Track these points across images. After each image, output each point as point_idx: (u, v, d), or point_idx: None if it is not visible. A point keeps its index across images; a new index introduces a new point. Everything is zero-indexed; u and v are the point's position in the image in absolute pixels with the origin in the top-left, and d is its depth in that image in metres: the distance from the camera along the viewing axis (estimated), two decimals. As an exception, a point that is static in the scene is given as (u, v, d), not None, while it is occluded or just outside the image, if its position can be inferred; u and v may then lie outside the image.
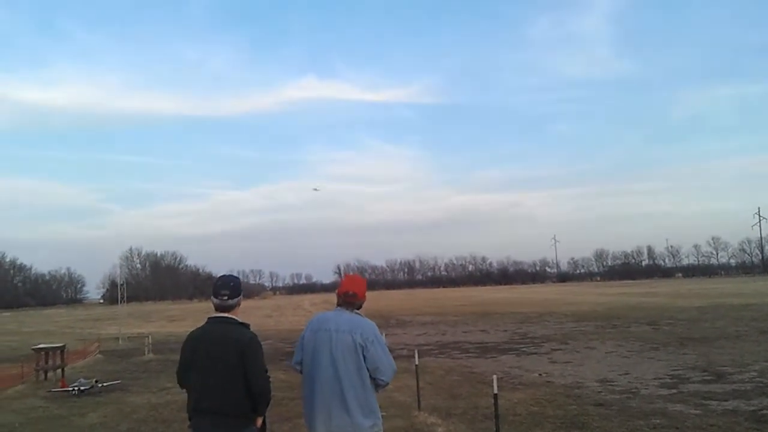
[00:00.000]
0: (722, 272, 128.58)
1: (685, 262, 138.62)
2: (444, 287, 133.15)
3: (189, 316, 45.03)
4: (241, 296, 3.60)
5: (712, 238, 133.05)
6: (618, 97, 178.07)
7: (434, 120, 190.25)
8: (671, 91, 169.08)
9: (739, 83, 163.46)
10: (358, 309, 3.63)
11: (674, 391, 9.63)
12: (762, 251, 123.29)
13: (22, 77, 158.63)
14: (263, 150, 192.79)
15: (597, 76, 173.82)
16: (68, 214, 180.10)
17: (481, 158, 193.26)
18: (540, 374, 12.06)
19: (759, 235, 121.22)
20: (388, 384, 3.55)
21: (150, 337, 21.49)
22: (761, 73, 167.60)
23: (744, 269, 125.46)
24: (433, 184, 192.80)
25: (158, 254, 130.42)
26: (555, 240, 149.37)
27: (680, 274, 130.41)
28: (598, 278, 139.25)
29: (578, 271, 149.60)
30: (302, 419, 3.68)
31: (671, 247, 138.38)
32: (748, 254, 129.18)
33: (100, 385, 11.84)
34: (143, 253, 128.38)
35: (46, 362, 14.23)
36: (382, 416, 3.58)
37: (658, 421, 7.58)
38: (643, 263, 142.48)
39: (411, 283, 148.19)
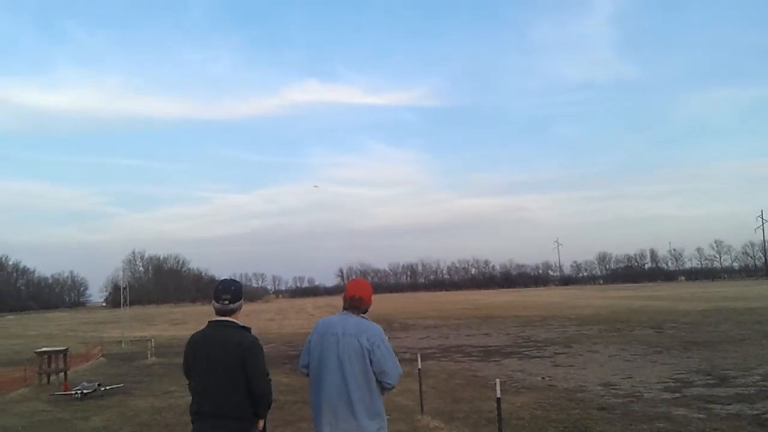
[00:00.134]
0: (725, 276, 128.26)
1: (688, 265, 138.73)
2: (447, 290, 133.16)
3: (192, 320, 45.05)
4: (242, 300, 3.61)
5: (715, 242, 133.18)
6: (620, 99, 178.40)
7: (436, 123, 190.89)
8: (673, 93, 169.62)
9: (741, 86, 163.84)
10: (364, 313, 3.65)
11: (678, 395, 9.59)
12: (765, 255, 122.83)
13: (24, 80, 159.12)
14: (265, 153, 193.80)
15: (599, 78, 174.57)
16: (71, 218, 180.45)
17: (484, 161, 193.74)
18: (543, 378, 12.04)
19: (762, 239, 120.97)
20: (393, 387, 3.57)
21: (153, 340, 21.54)
22: (764, 76, 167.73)
23: (747, 273, 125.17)
24: (436, 188, 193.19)
25: (161, 257, 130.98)
26: (558, 243, 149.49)
27: (683, 278, 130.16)
28: (601, 281, 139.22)
29: (581, 275, 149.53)
30: (304, 423, 3.68)
31: (674, 250, 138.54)
32: (752, 257, 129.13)
33: (102, 388, 11.86)
34: (146, 256, 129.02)
35: (49, 365, 14.26)
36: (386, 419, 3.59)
37: (661, 425, 7.55)
38: (646, 266, 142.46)
39: (414, 286, 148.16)
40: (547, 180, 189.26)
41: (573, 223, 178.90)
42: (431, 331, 26.23)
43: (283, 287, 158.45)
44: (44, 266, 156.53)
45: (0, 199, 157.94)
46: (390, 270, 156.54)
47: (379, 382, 3.45)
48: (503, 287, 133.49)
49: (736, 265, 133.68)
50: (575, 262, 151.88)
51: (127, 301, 30.82)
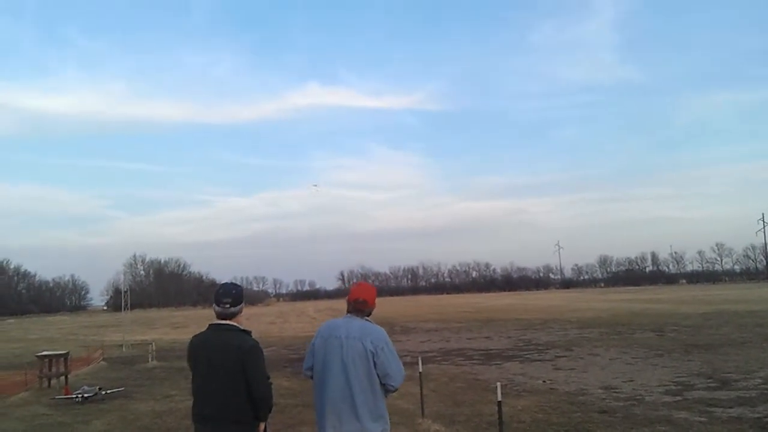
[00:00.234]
0: (726, 278, 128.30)
1: (689, 268, 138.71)
2: (448, 294, 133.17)
3: (193, 323, 45.03)
4: (243, 304, 3.62)
5: (717, 245, 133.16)
6: (621, 102, 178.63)
7: (437, 126, 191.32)
8: (675, 96, 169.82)
9: (743, 89, 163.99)
10: (368, 316, 3.67)
11: (679, 398, 9.58)
12: (766, 257, 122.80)
13: (25, 84, 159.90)
14: (267, 157, 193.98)
15: (600, 81, 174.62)
16: (72, 221, 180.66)
17: (485, 164, 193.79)
18: (544, 381, 12.02)
19: (763, 242, 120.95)
20: (397, 389, 3.60)
21: (154, 344, 21.50)
22: (766, 79, 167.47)
23: (748, 275, 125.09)
24: (437, 191, 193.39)
25: (162, 261, 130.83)
26: (559, 246, 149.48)
27: (684, 281, 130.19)
28: (602, 284, 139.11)
29: (582, 278, 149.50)
30: (305, 426, 3.69)
31: (675, 253, 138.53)
32: (753, 260, 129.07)
33: (103, 392, 11.85)
34: (147, 259, 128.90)
35: (50, 369, 14.24)
36: (388, 422, 3.60)
37: (662, 428, 7.55)
38: (647, 269, 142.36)
39: (414, 289, 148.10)
40: (547, 183, 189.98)
41: (574, 226, 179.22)
42: (432, 335, 26.20)
43: (284, 291, 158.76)
44: (45, 270, 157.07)
45: (1, 203, 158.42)
46: (391, 273, 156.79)
47: (382, 384, 3.47)
48: (504, 290, 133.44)
49: (737, 268, 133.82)
50: (576, 265, 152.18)
51: (128, 305, 30.79)
